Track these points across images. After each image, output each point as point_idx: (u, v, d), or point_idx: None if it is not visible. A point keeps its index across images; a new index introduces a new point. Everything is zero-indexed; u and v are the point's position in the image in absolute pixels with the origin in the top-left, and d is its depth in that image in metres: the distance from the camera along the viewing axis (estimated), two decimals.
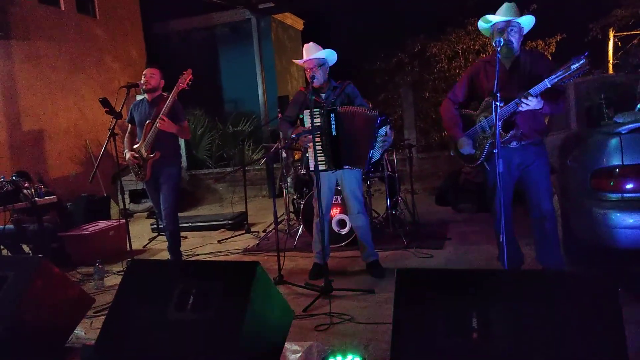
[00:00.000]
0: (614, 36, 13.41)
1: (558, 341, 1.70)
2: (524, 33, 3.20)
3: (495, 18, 3.11)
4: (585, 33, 13.00)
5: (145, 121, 4.24)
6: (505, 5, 3.11)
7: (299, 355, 2.46)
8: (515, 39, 3.09)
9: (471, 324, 1.80)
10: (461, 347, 1.79)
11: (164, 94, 4.35)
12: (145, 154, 4.23)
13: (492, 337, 1.77)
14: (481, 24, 3.21)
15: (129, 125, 4.51)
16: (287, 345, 2.45)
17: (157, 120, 4.11)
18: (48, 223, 5.18)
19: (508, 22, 3.06)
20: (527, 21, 3.13)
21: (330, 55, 3.87)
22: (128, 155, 4.35)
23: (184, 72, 4.13)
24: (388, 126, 3.79)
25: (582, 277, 1.86)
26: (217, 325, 2.15)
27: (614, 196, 2.96)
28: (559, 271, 2.94)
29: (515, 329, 1.76)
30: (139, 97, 5.31)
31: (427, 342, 1.85)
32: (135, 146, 4.32)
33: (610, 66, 12.83)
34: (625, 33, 13.14)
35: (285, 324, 2.44)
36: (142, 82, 4.31)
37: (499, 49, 2.88)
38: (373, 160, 3.79)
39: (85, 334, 3.21)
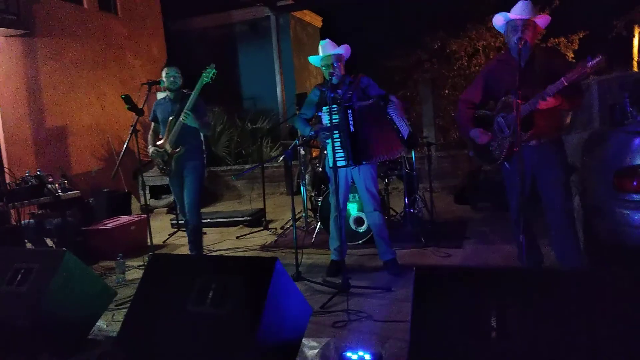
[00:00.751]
0: (639, 33, 13.11)
1: (577, 340, 1.69)
2: (539, 31, 3.20)
3: (511, 16, 3.09)
4: (609, 29, 12.74)
5: (169, 117, 4.32)
6: (520, 3, 3.10)
7: (316, 351, 2.48)
8: (529, 37, 3.07)
9: (490, 323, 1.79)
10: (479, 345, 1.79)
11: (184, 90, 4.42)
12: (170, 150, 4.33)
13: (510, 336, 1.76)
14: (496, 21, 3.20)
15: (152, 123, 4.61)
16: (304, 341, 2.47)
17: (182, 115, 4.18)
18: (71, 217, 5.29)
19: (524, 20, 3.05)
20: (542, 20, 3.13)
21: (346, 51, 3.88)
22: (151, 149, 4.47)
23: (207, 67, 4.18)
24: (393, 98, 3.70)
25: (603, 277, 1.84)
26: (236, 319, 2.18)
27: (637, 197, 2.91)
28: (578, 270, 2.90)
29: (534, 327, 1.75)
30: (159, 95, 5.37)
31: (445, 340, 1.85)
32: (159, 142, 4.42)
33: (635, 63, 12.55)
34: None
35: (303, 320, 2.46)
36: (166, 82, 4.38)
37: (520, 46, 2.87)
38: (406, 136, 3.68)
39: (107, 326, 3.27)
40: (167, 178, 4.60)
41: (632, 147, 2.92)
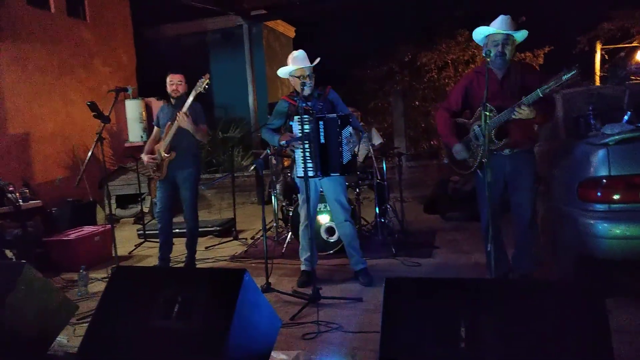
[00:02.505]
0: (601, 49, 13.62)
1: (545, 350, 1.70)
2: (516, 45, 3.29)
3: (492, 29, 3.16)
4: (573, 45, 13.20)
5: (167, 123, 4.42)
6: (501, 18, 3.17)
7: None
8: (508, 51, 3.15)
9: (459, 333, 1.79)
10: (449, 356, 1.78)
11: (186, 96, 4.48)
12: (163, 154, 4.40)
13: (479, 345, 1.76)
14: (477, 34, 3.26)
15: (155, 127, 4.69)
16: (274, 354, 2.42)
17: (177, 117, 4.27)
18: (32, 228, 5.11)
19: (504, 34, 3.12)
20: (521, 35, 3.23)
21: (316, 63, 3.89)
22: (145, 158, 4.53)
23: (202, 76, 4.27)
24: (350, 127, 3.74)
25: (569, 287, 1.87)
26: (203, 333, 2.12)
27: (601, 207, 2.97)
28: (546, 281, 2.95)
29: (503, 337, 1.75)
30: (128, 103, 5.27)
31: (415, 350, 1.84)
32: (156, 146, 4.52)
33: (597, 78, 13.02)
34: (612, 46, 13.36)
35: (272, 333, 2.41)
36: (168, 88, 4.48)
37: (488, 59, 2.93)
38: (344, 162, 3.71)
39: (68, 341, 3.15)
40: (135, 187, 4.54)
41: (596, 158, 2.99)
